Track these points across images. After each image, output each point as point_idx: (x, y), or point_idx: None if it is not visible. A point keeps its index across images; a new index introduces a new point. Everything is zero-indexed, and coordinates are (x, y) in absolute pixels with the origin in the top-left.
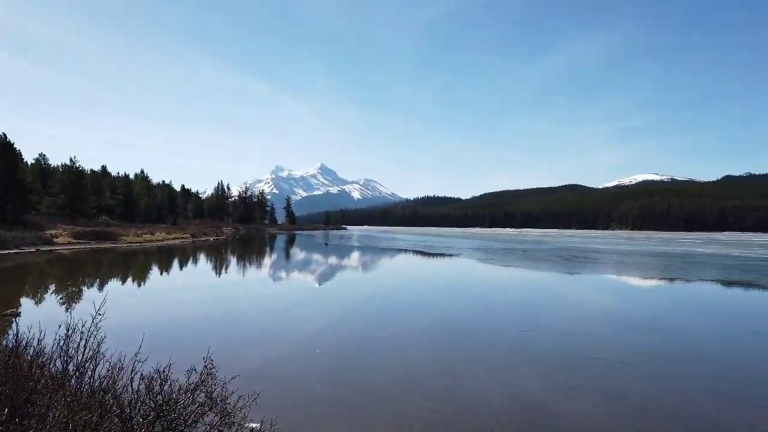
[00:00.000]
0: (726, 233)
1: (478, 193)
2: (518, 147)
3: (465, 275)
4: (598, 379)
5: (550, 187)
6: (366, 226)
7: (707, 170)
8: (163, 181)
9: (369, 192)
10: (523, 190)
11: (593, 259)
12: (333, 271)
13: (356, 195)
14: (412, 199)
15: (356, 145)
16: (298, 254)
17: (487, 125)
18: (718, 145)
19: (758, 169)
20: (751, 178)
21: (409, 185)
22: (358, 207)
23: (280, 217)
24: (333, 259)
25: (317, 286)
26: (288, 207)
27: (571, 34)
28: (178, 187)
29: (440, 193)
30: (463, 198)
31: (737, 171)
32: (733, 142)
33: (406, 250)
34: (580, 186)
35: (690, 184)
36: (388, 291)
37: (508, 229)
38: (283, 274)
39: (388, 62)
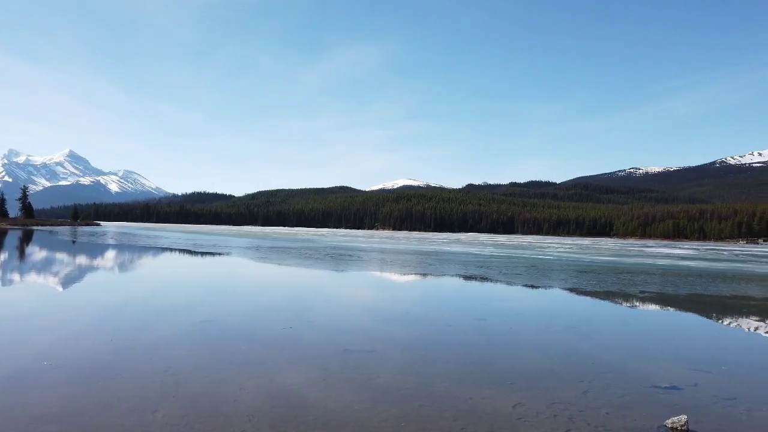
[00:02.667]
0: (467, 234)
1: (251, 191)
2: (293, 147)
3: (233, 274)
4: (349, 368)
5: (322, 188)
6: (125, 223)
7: (454, 178)
8: None
9: (130, 185)
10: (297, 189)
11: (358, 257)
12: (79, 275)
13: (114, 188)
14: (180, 194)
15: (116, 131)
16: (34, 254)
17: (264, 123)
18: (464, 157)
19: (493, 180)
20: (487, 187)
21: (177, 179)
22: (117, 201)
23: (14, 209)
24: (80, 260)
25: (59, 290)
26: (24, 198)
27: (347, 42)
28: None
29: (211, 190)
30: (236, 195)
31: (477, 180)
32: (475, 155)
33: (170, 249)
34: (350, 188)
35: (441, 190)
36: (146, 294)
37: (281, 227)
38: (12, 277)
39: (160, 47)
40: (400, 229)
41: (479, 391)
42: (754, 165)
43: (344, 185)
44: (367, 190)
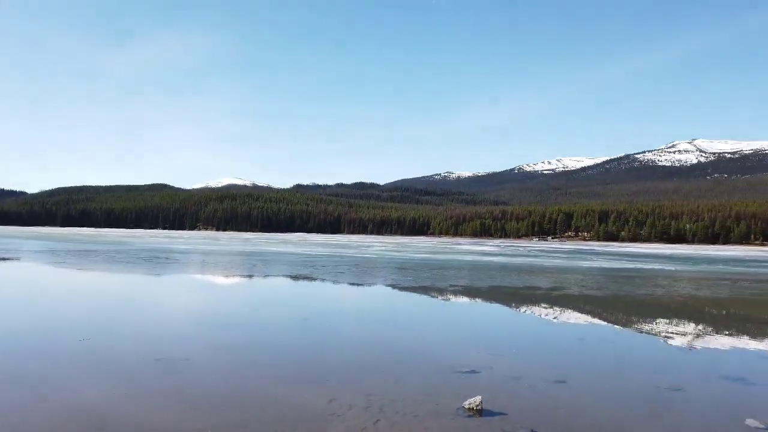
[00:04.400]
0: (295, 234)
1: (49, 187)
2: (101, 139)
3: (22, 282)
4: (160, 379)
5: (137, 185)
6: None
7: (283, 178)
8: None
9: None
10: (105, 186)
11: (175, 260)
12: None
13: None
14: None
15: None
16: None
17: (64, 110)
18: (292, 156)
19: (321, 180)
20: (315, 188)
21: None
22: None
23: None
24: None
25: None
26: None
27: (165, 30)
28: None
29: None
30: (30, 192)
31: (305, 181)
32: (304, 155)
33: None
34: (169, 186)
35: (268, 190)
36: None
37: (86, 228)
38: None
39: None
40: (224, 230)
41: (296, 390)
42: (544, 172)
43: (162, 182)
44: (188, 188)
